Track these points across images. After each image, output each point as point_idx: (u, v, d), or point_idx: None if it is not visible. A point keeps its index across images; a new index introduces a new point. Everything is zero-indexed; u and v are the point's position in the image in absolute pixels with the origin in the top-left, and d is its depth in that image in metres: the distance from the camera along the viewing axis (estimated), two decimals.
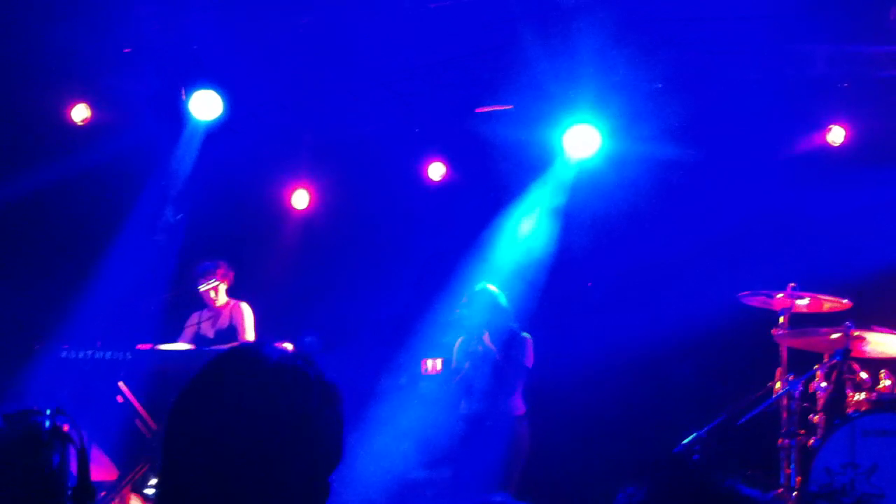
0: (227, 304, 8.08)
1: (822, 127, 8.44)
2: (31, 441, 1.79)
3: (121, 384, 6.95)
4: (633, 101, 8.35)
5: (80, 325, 7.81)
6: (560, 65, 8.15)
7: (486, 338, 7.37)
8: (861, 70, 7.99)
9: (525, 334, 7.41)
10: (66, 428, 1.86)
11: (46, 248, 8.71)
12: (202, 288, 7.97)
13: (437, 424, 7.79)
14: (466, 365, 7.46)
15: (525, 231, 9.09)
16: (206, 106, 8.61)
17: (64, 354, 6.97)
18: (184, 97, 8.67)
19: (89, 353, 7.15)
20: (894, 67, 7.89)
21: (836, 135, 8.45)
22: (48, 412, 1.85)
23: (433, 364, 8.49)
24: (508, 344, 7.35)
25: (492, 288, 7.54)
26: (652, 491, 1.75)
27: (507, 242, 9.03)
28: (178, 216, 9.14)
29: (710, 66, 8.16)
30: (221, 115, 8.70)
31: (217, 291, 8.03)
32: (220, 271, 8.04)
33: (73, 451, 1.85)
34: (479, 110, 9.14)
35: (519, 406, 7.37)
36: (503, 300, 7.50)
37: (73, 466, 1.82)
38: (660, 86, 8.15)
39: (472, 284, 7.78)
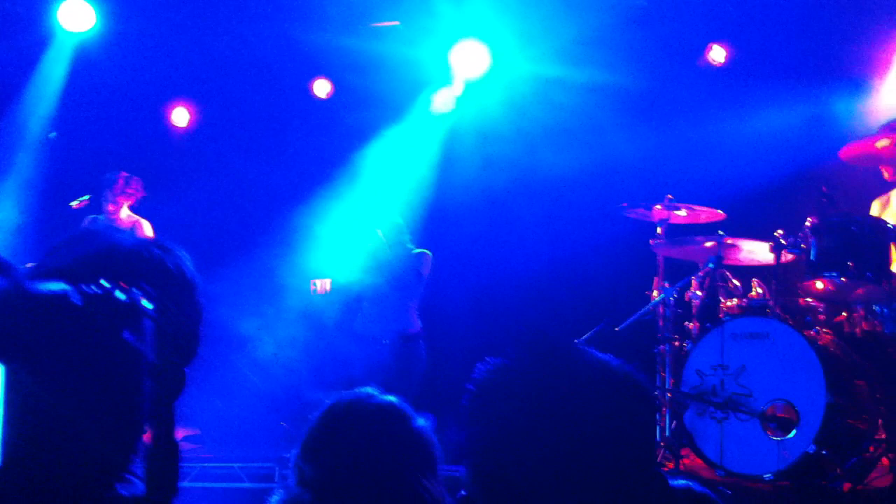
0: (130, 219, 7.80)
1: (704, 46, 8.56)
2: (104, 313, 1.67)
3: None
4: (524, 18, 8.33)
5: None
6: None
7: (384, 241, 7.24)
8: None
9: (424, 250, 7.37)
10: (143, 302, 1.74)
11: None
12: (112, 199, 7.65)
13: (331, 345, 7.73)
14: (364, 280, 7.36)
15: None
16: (77, 17, 8.26)
17: None
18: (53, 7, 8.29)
19: None
20: None
21: (717, 54, 8.59)
22: (128, 287, 1.72)
23: (322, 284, 8.41)
24: (405, 256, 7.28)
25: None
26: (512, 358, 1.75)
27: (392, 161, 8.95)
28: (52, 134, 8.76)
29: None
30: (94, 26, 8.36)
31: (120, 206, 7.73)
32: (129, 186, 7.72)
33: (149, 327, 1.73)
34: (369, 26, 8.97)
35: (415, 324, 7.33)
36: (400, 219, 7.48)
37: (150, 343, 1.72)
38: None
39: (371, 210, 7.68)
